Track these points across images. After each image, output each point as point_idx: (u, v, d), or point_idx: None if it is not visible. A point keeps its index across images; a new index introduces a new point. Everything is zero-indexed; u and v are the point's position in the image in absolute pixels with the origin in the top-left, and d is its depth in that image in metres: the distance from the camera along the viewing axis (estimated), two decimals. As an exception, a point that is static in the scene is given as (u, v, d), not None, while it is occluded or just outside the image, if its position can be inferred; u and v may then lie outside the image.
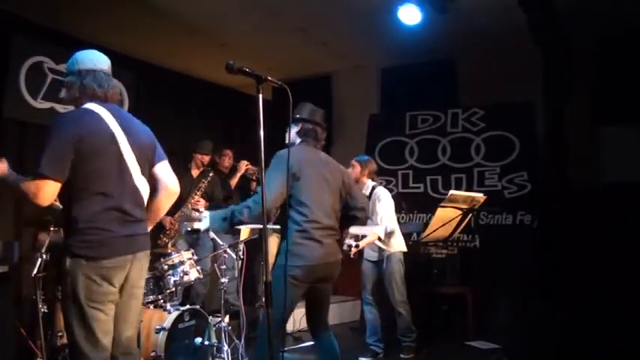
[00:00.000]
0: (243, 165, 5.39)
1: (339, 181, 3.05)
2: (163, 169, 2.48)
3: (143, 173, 2.37)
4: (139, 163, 2.35)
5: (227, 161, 5.62)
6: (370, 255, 4.42)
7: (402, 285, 4.33)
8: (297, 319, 5.32)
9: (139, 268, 2.35)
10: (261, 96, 2.19)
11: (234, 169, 5.54)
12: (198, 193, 4.97)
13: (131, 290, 2.33)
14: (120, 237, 2.23)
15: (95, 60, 2.40)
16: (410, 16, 4.91)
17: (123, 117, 2.37)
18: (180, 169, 5.09)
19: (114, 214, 2.23)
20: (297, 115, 3.08)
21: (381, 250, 4.34)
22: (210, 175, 5.04)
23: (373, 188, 4.36)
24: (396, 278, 4.30)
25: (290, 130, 3.06)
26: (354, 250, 4.06)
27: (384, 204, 4.26)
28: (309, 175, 2.86)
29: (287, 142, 3.05)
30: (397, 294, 4.30)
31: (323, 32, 5.79)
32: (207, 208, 5.00)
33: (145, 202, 2.40)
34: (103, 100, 2.34)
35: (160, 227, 4.82)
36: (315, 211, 2.83)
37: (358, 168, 4.38)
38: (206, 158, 5.20)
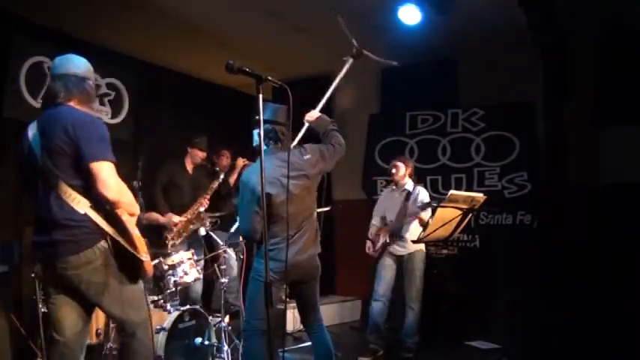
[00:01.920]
0: (241, 162, 5.38)
1: (308, 176, 3.04)
2: (90, 173, 2.26)
3: (62, 174, 2.29)
4: (52, 166, 2.29)
5: (225, 161, 5.63)
6: (396, 249, 4.50)
7: (421, 283, 4.46)
8: (298, 319, 5.32)
9: (64, 277, 2.32)
10: (261, 96, 2.19)
11: (232, 168, 5.55)
12: (207, 196, 4.98)
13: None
14: (37, 243, 2.37)
15: (67, 64, 2.46)
16: (410, 16, 4.91)
17: (51, 120, 2.34)
18: (180, 167, 5.11)
19: (37, 222, 2.38)
20: (256, 117, 3.02)
21: (404, 245, 4.46)
22: (222, 178, 5.03)
23: (414, 187, 4.58)
24: (417, 275, 4.44)
25: (255, 133, 3.00)
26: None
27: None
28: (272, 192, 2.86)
29: (254, 145, 3.02)
30: (415, 290, 4.42)
31: (323, 32, 5.78)
32: (208, 208, 5.05)
33: (73, 204, 2.29)
34: (62, 104, 2.39)
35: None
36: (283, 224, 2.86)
37: (404, 168, 4.61)
38: (203, 154, 5.17)
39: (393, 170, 4.64)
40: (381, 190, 6.29)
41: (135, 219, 2.45)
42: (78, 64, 2.48)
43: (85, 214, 2.29)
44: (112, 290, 2.38)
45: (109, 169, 2.27)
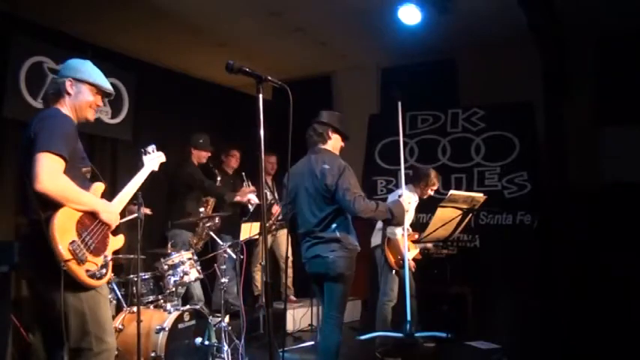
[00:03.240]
0: (246, 193, 5.04)
1: (318, 184, 3.18)
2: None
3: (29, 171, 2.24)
4: (25, 164, 2.26)
5: (234, 162, 5.59)
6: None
7: None
8: (298, 319, 5.33)
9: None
10: (261, 96, 2.19)
11: (238, 173, 5.55)
12: (209, 199, 5.00)
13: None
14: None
15: (63, 68, 2.50)
16: (410, 16, 4.92)
17: (32, 122, 2.33)
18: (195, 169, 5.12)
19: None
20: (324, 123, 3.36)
21: None
22: (218, 180, 5.11)
23: None
24: None
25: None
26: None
27: None
28: (292, 188, 3.25)
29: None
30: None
31: (323, 32, 5.79)
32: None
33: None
34: (50, 106, 2.43)
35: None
36: (299, 222, 3.28)
37: None
38: (208, 154, 5.12)
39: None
40: (382, 190, 6.29)
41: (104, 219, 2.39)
42: (68, 68, 2.49)
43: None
44: (69, 296, 2.24)
45: (47, 160, 2.17)
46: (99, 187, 2.51)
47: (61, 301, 2.19)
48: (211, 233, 4.40)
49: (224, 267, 4.01)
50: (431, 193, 4.60)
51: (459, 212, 4.26)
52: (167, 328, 3.39)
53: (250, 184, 5.46)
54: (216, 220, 4.87)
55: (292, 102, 2.27)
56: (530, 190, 5.65)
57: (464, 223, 4.42)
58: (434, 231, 4.34)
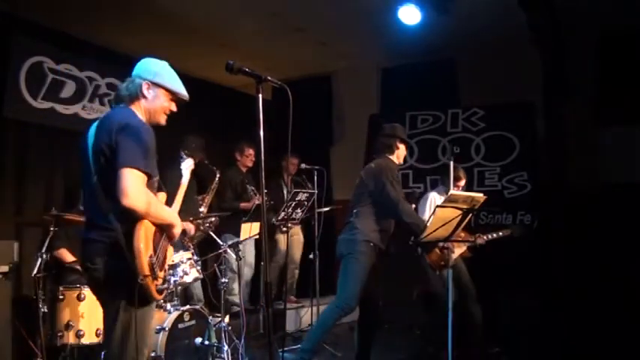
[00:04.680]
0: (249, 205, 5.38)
1: (361, 176, 3.80)
2: (117, 179, 2.13)
3: (103, 175, 2.20)
4: (97, 164, 2.22)
5: (249, 161, 5.60)
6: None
7: None
8: (298, 319, 5.34)
9: (93, 282, 2.24)
10: (261, 96, 2.19)
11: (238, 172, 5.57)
12: (207, 197, 5.00)
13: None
14: (82, 242, 2.26)
15: (137, 67, 2.46)
16: (410, 16, 4.92)
17: (105, 121, 2.27)
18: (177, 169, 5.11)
19: (85, 221, 2.31)
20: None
21: None
22: (217, 179, 5.09)
23: None
24: None
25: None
26: None
27: None
28: None
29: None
30: None
31: (323, 32, 5.79)
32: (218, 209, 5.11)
33: (111, 205, 2.17)
34: (122, 105, 2.39)
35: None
36: None
37: None
38: (200, 158, 5.13)
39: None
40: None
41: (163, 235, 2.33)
42: (145, 70, 2.43)
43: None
44: (123, 306, 2.19)
45: (132, 176, 2.12)
46: (162, 197, 2.47)
47: (135, 318, 2.17)
48: (211, 233, 4.40)
49: (224, 267, 4.01)
50: (457, 188, 4.53)
51: (459, 212, 4.25)
52: (167, 328, 3.39)
53: (255, 191, 5.47)
54: (215, 219, 4.87)
55: (292, 102, 2.27)
56: (530, 190, 5.65)
57: (464, 224, 4.42)
58: (434, 231, 4.34)
